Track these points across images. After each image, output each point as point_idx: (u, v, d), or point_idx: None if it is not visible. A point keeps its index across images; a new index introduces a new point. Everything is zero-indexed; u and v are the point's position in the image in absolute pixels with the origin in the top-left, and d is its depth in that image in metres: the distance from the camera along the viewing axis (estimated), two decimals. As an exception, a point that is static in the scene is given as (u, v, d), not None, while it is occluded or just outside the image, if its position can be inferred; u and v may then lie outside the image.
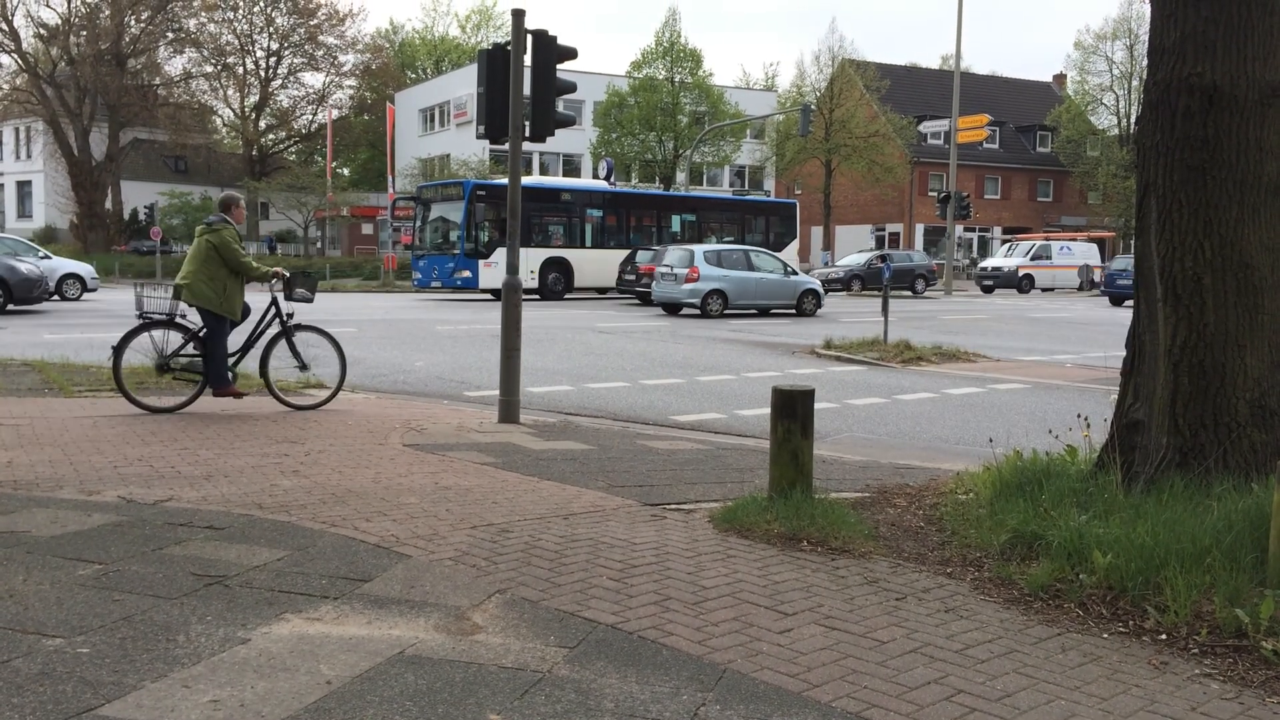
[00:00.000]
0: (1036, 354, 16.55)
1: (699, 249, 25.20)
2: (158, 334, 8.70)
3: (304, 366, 9.46)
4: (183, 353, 8.76)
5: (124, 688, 3.25)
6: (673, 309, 24.83)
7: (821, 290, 26.37)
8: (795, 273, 26.18)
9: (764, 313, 25.10)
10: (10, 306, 20.51)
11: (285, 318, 9.11)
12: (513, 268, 9.03)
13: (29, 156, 60.48)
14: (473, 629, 3.88)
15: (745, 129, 54.53)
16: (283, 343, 9.17)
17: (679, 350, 15.88)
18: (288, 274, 9.16)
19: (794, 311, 25.16)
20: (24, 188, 62.99)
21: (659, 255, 26.18)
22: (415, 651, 3.63)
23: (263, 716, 3.09)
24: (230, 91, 61.29)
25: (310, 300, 9.28)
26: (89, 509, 5.39)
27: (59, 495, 5.69)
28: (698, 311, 23.88)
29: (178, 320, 8.76)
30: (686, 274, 23.89)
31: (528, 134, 9.00)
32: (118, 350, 8.61)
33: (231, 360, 8.91)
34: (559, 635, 3.84)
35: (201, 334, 8.74)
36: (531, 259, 28.49)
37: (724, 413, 10.13)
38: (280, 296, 9.11)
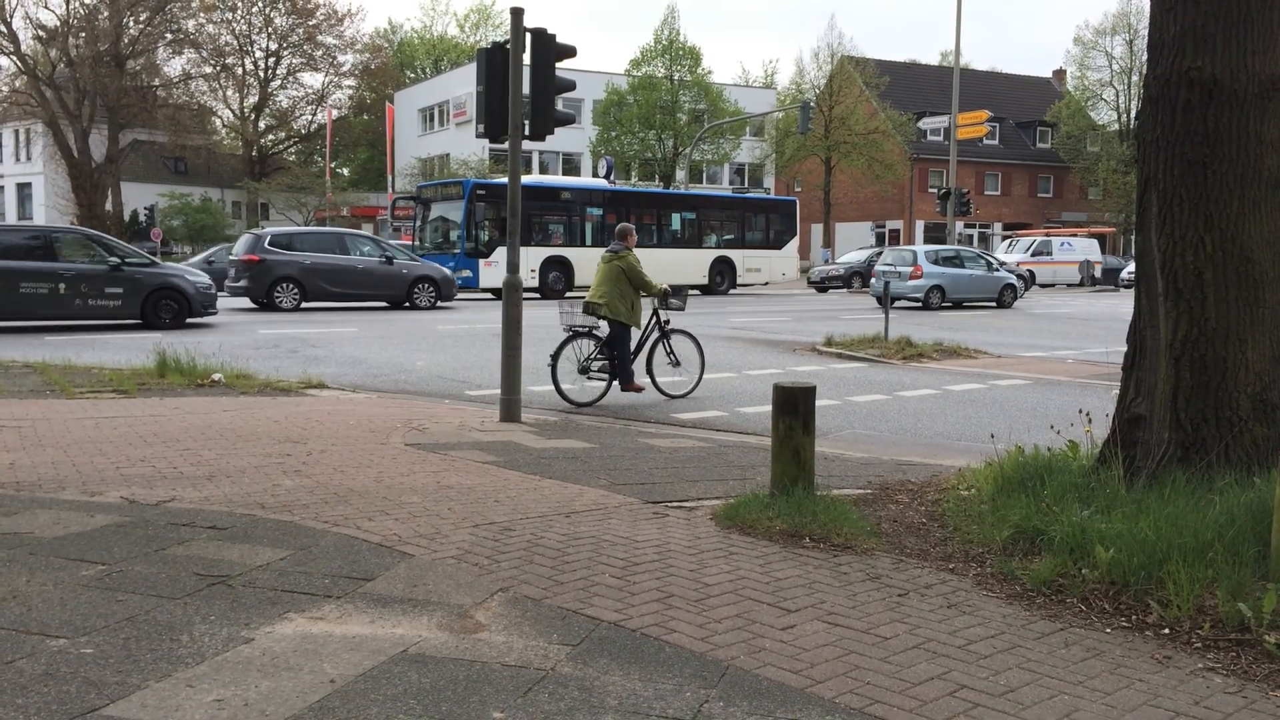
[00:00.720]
0: (1038, 350, 16.55)
1: (920, 250, 28.64)
2: (580, 344, 10.39)
3: (676, 363, 10.79)
4: (596, 358, 10.43)
5: (128, 688, 3.26)
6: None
7: (1019, 285, 29.54)
8: (998, 269, 29.03)
9: (958, 305, 27.83)
10: (440, 303, 24.47)
11: (663, 324, 10.75)
12: (513, 266, 9.03)
13: (29, 159, 60.48)
14: (476, 627, 3.88)
15: (745, 127, 54.50)
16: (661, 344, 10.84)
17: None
18: (670, 290, 10.73)
19: (995, 304, 27.97)
20: (24, 190, 62.99)
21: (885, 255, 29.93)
22: (418, 650, 3.63)
23: (267, 715, 3.10)
24: (229, 92, 61.37)
25: (682, 309, 10.95)
26: (92, 510, 5.40)
27: (62, 496, 5.70)
28: (920, 304, 27.00)
29: (594, 333, 10.44)
30: (910, 272, 27.23)
31: (527, 133, 9.00)
32: (555, 357, 10.23)
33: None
34: (562, 633, 3.84)
35: (609, 342, 10.43)
36: (532, 258, 28.47)
37: (725, 410, 10.13)
38: (658, 307, 10.75)
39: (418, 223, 31.01)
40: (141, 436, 7.59)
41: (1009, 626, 4.04)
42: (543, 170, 51.76)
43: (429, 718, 3.11)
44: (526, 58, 8.91)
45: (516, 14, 8.84)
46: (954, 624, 4.04)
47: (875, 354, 14.93)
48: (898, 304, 27.16)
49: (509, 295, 8.95)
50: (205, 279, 18.27)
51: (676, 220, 33.58)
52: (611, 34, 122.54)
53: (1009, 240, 46.76)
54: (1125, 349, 5.70)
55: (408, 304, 23.72)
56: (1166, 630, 3.98)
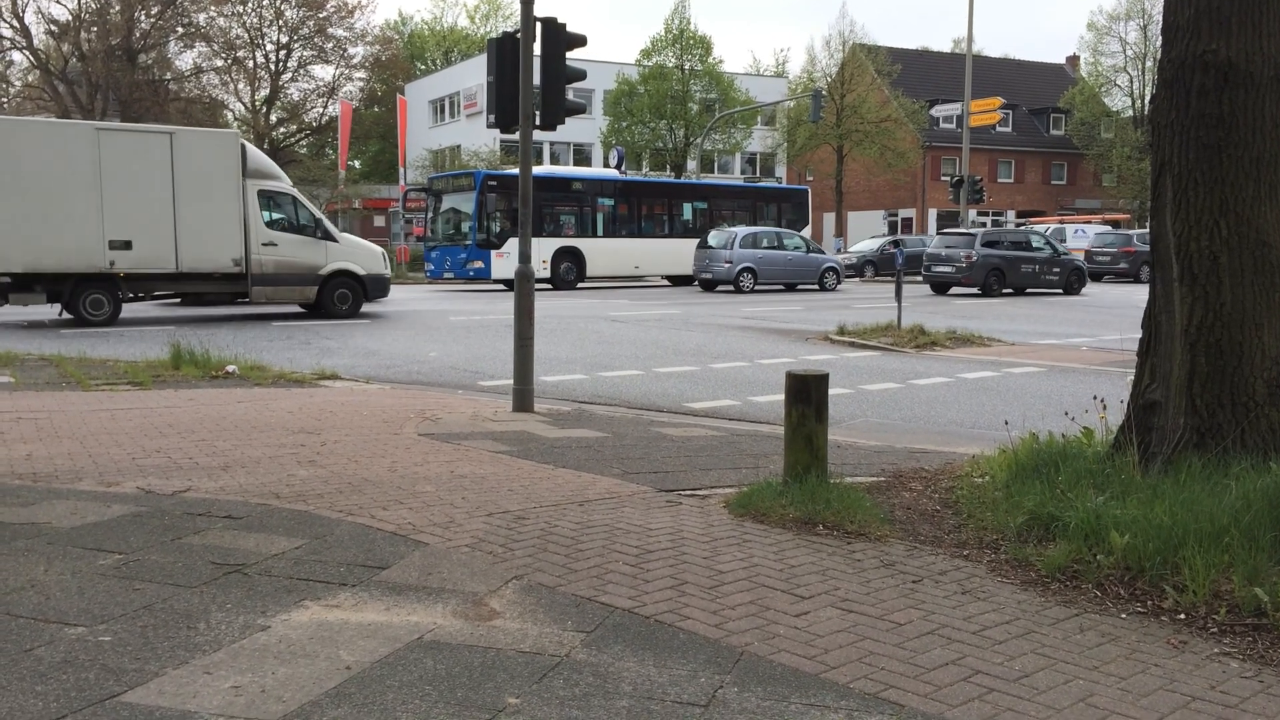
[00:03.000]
0: (1051, 337, 16.49)
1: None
2: None
3: None
4: None
5: (146, 674, 3.28)
6: None
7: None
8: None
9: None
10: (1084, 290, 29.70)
11: None
12: (525, 257, 9.03)
13: (42, 153, 60.65)
14: (490, 614, 3.89)
15: (756, 116, 54.32)
16: None
17: (692, 338, 15.87)
18: None
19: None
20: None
21: None
22: (434, 637, 3.65)
23: (283, 701, 3.12)
24: (241, 85, 61.31)
25: None
26: (108, 500, 5.43)
27: (78, 487, 5.74)
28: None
29: None
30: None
31: (538, 123, 8.99)
32: None
33: None
34: (576, 620, 3.85)
35: None
36: (543, 248, 28.47)
37: (738, 399, 10.13)
38: None
39: (429, 214, 31.07)
40: (157, 428, 7.63)
41: (1023, 612, 4.03)
42: (554, 161, 51.76)
43: (445, 704, 3.13)
44: (537, 48, 8.90)
45: (526, 3, 8.81)
46: (968, 610, 4.04)
47: (888, 342, 14.90)
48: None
49: (521, 286, 8.95)
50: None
51: (688, 210, 33.54)
52: (623, 24, 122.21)
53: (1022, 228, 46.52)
54: (1140, 335, 5.68)
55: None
56: (1182, 615, 3.97)
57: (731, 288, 28.95)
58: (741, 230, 30.07)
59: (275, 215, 18.44)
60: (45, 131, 17.63)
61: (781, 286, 30.57)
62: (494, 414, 8.65)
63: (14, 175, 16.15)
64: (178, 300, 20.71)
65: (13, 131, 16.75)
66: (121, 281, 17.17)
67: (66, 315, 17.07)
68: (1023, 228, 34.77)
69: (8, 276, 16.28)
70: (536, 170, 26.46)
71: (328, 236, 18.91)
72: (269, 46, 60.16)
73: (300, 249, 18.52)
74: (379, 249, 20.19)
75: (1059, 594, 4.24)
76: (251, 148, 18.61)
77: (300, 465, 6.41)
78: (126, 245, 16.90)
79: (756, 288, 29.23)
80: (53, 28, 50.65)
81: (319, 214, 19.13)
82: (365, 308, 19.83)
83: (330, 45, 60.92)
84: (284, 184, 18.80)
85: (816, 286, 30.82)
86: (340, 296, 18.95)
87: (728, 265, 28.89)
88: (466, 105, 58.44)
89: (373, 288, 19.42)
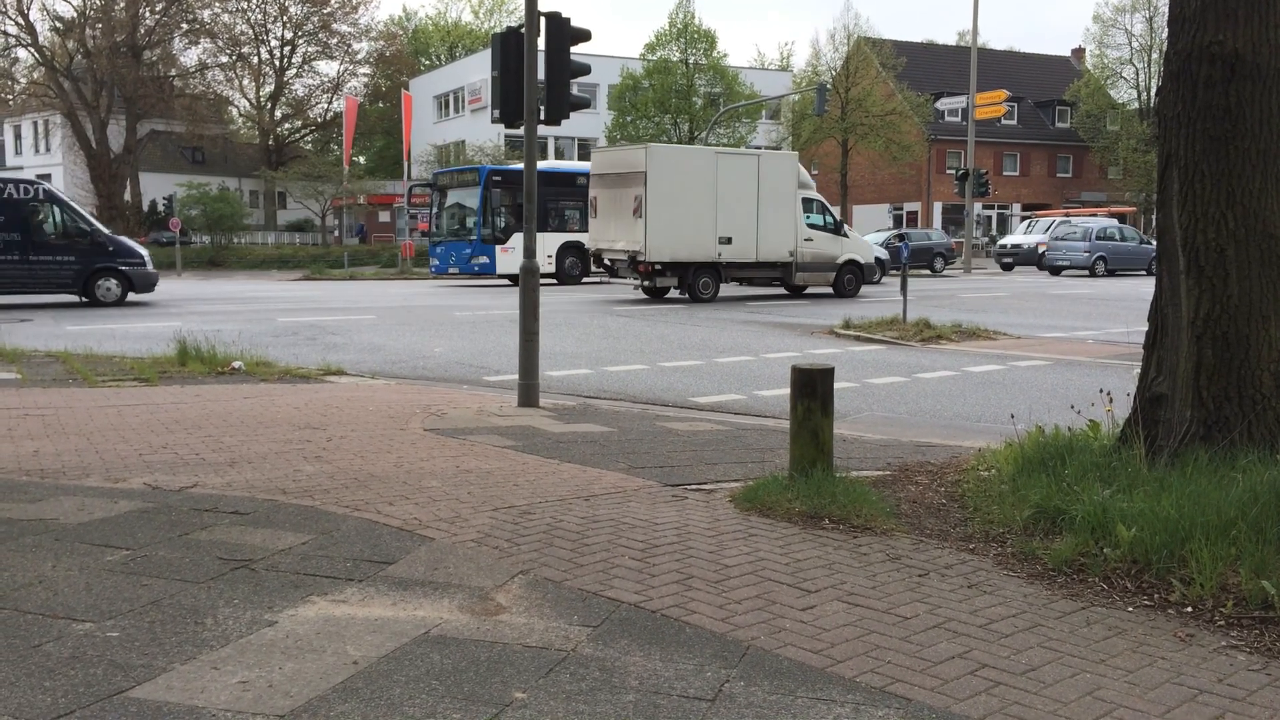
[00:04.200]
0: (1057, 331, 16.45)
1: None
2: None
3: None
4: None
5: (153, 670, 3.29)
6: None
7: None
8: None
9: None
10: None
11: None
12: (530, 252, 9.02)
13: (48, 150, 60.83)
14: (496, 609, 3.90)
15: (761, 110, 54.17)
16: None
17: (697, 332, 15.86)
18: None
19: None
20: (43, 180, 63.40)
21: None
22: (440, 632, 3.66)
23: (291, 696, 3.13)
24: (245, 81, 61.47)
25: None
26: (115, 496, 5.45)
27: (86, 483, 5.75)
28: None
29: None
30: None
31: (542, 117, 8.99)
32: None
33: None
34: (582, 615, 3.85)
35: None
36: (548, 244, 28.44)
37: (743, 394, 10.12)
38: None
39: (434, 210, 31.06)
40: (163, 424, 7.65)
41: (1030, 606, 4.03)
42: (558, 156, 51.68)
43: (451, 698, 3.13)
44: (541, 42, 8.89)
45: (531, -2, 8.83)
46: (975, 604, 4.04)
47: (893, 336, 14.87)
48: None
49: (526, 280, 8.95)
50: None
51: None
52: (635, 21, 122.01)
53: (1028, 221, 46.39)
54: (1146, 328, 5.66)
55: None
56: (1189, 608, 3.97)
57: (1087, 272, 35.05)
58: (1093, 225, 36.94)
59: (810, 217, 23.55)
60: (685, 155, 23.60)
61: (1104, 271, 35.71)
62: (499, 409, 8.66)
63: (663, 189, 21.37)
64: (736, 283, 24.71)
65: (664, 156, 22.21)
66: (722, 268, 22.46)
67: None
68: None
69: (659, 264, 21.66)
70: (541, 165, 26.45)
71: (842, 233, 24.13)
72: (273, 42, 60.32)
73: (827, 243, 23.84)
74: (871, 243, 27.43)
75: (1065, 587, 4.23)
76: (797, 163, 24.03)
77: (306, 461, 6.42)
78: (728, 241, 22.22)
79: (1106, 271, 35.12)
80: (57, 24, 50.73)
81: (837, 215, 24.10)
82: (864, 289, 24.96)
83: (334, 41, 61.06)
84: (814, 192, 23.96)
85: (1145, 272, 34.56)
86: (848, 280, 24.34)
87: (1086, 254, 35.15)
88: (471, 100, 58.39)
89: (868, 274, 25.51)
